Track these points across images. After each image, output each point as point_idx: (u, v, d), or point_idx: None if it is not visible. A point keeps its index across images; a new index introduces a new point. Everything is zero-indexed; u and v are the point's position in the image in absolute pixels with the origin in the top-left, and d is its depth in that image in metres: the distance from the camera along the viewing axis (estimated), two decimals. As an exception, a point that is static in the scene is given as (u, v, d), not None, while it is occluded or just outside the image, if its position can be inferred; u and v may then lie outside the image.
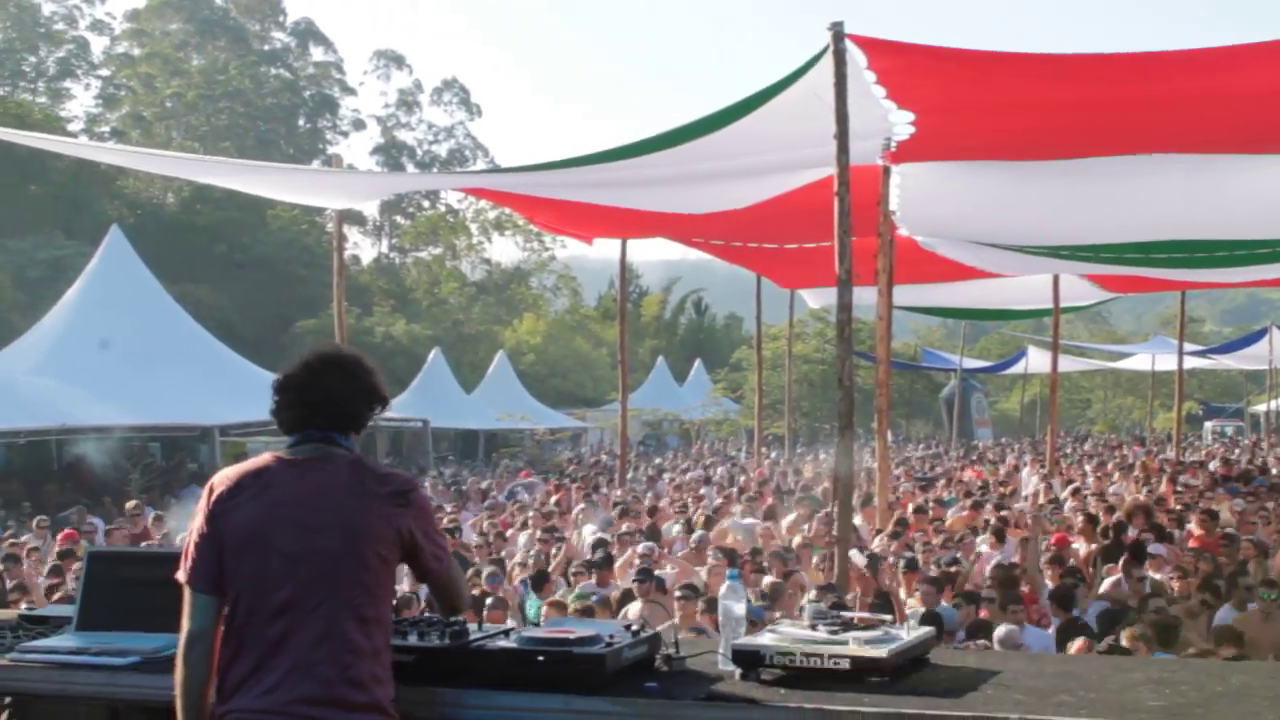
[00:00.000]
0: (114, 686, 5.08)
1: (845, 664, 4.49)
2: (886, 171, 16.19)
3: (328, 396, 4.60)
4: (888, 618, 5.05)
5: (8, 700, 5.62)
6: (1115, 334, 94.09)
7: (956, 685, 4.48)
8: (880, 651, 4.51)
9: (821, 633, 4.74)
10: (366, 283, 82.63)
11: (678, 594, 12.55)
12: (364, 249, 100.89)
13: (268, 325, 64.78)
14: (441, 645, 4.76)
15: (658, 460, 47.04)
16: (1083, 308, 43.15)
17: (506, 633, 4.98)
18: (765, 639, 4.74)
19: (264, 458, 4.60)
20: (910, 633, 4.79)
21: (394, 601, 4.70)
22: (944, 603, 12.70)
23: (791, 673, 4.56)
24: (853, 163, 13.15)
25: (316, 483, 4.48)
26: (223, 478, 4.57)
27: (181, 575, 4.53)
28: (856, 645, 4.55)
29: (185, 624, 4.47)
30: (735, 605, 4.86)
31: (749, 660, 4.62)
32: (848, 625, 4.82)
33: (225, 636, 4.45)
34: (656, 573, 13.82)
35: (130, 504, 23.32)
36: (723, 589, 4.97)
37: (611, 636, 4.69)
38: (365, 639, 4.37)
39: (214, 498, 4.51)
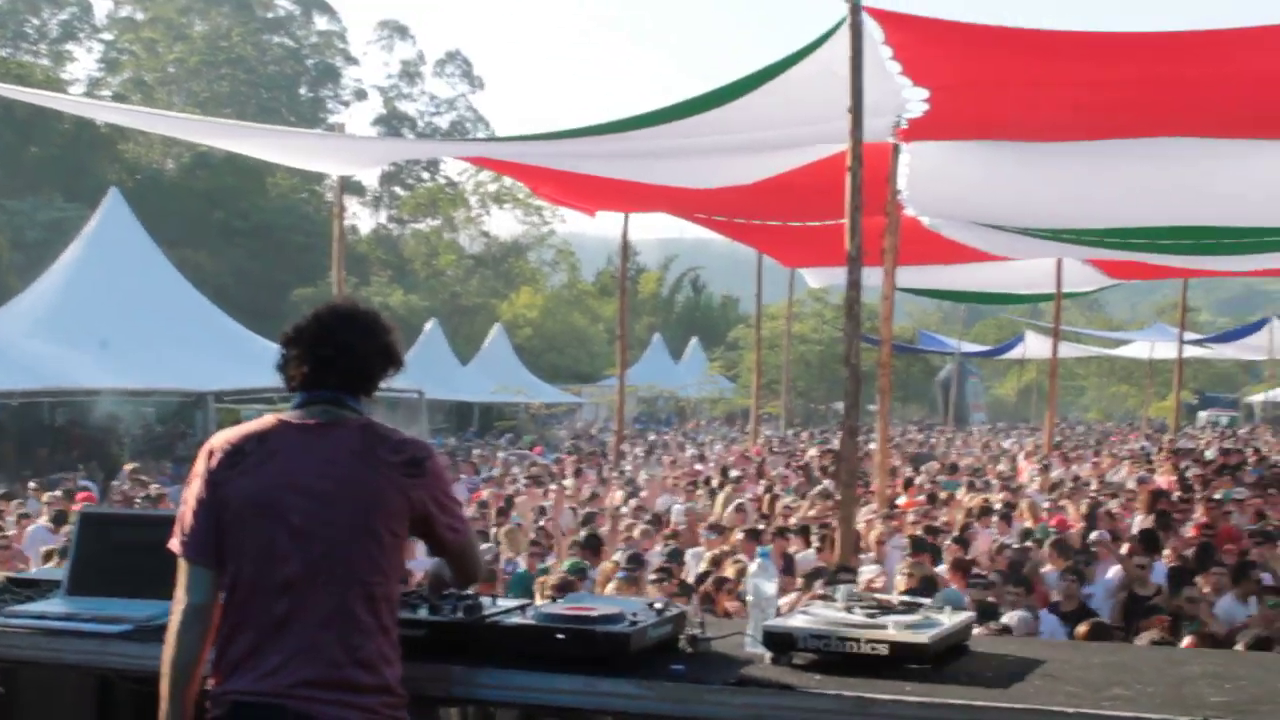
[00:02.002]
0: (105, 655, 4.82)
1: (884, 649, 4.21)
2: (896, 150, 16.01)
3: (340, 353, 4.27)
4: (926, 601, 4.79)
5: (-7, 666, 5.38)
6: (1111, 322, 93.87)
7: (1002, 675, 4.21)
8: (922, 637, 4.24)
9: (858, 615, 4.47)
10: (365, 252, 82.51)
11: (651, 577, 12.32)
12: (362, 219, 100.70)
13: (265, 292, 64.61)
14: (454, 620, 4.48)
15: (651, 438, 47.01)
16: (1084, 294, 43.07)
17: (523, 608, 4.71)
18: (798, 621, 4.47)
19: (267, 420, 4.28)
20: (951, 618, 4.53)
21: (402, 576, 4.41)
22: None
23: (826, 658, 4.29)
24: (864, 139, 12.96)
25: (326, 450, 4.16)
26: (223, 440, 4.23)
27: (175, 546, 4.21)
28: (896, 630, 4.28)
29: (181, 598, 4.15)
30: (766, 584, 4.59)
31: (780, 643, 4.34)
32: (886, 608, 4.56)
33: (223, 612, 4.14)
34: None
35: (129, 467, 23.17)
36: (753, 567, 4.70)
37: (635, 614, 4.42)
38: (374, 617, 4.08)
39: (213, 463, 4.18)
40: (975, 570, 12.85)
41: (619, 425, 28.72)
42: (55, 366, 30.16)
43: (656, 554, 14.28)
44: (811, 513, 17.68)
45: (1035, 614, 11.24)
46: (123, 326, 32.70)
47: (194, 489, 4.21)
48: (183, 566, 4.19)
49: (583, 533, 15.83)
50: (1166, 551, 14.44)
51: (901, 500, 19.54)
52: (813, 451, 32.76)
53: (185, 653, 4.10)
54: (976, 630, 9.20)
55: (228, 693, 4.06)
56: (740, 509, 17.51)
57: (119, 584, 5.10)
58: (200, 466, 4.22)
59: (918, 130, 15.42)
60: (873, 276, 16.69)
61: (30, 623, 4.95)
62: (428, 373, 49.13)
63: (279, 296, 64.38)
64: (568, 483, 23.45)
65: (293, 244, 70.50)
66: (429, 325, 56.42)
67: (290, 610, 4.03)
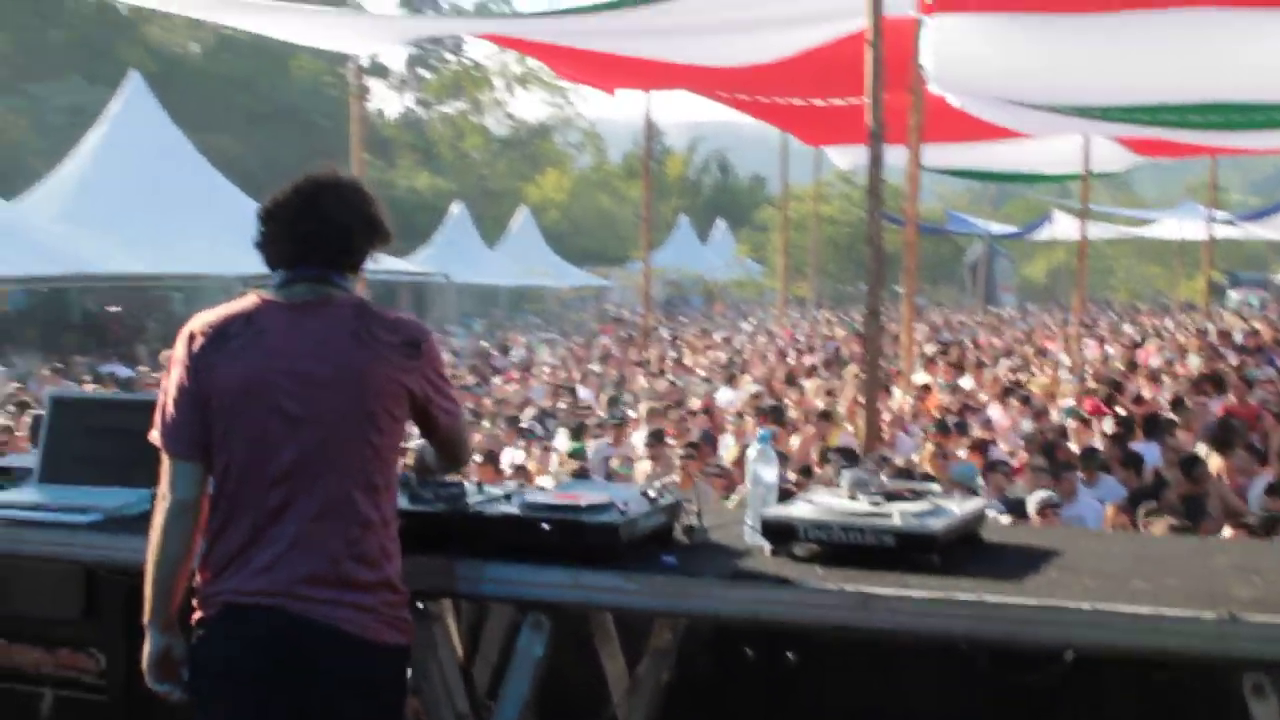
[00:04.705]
0: (71, 546, 4.62)
1: (890, 540, 3.96)
2: (920, 24, 15.65)
3: (324, 228, 3.97)
4: (935, 487, 4.51)
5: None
6: (1140, 201, 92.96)
7: (1015, 567, 3.96)
8: (931, 526, 3.99)
9: (862, 503, 4.22)
10: (391, 136, 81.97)
11: (680, 452, 12.15)
12: (389, 103, 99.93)
13: (290, 176, 64.04)
14: (434, 510, 4.26)
15: (682, 318, 46.96)
16: (1112, 174, 42.52)
17: (509, 496, 4.46)
18: (799, 510, 4.21)
19: (250, 300, 3.98)
20: (962, 506, 4.28)
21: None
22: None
23: (828, 549, 4.04)
24: (886, 13, 12.58)
25: (318, 330, 3.88)
26: (203, 323, 3.92)
27: (157, 437, 3.93)
28: (903, 519, 4.03)
29: (167, 493, 3.88)
30: (765, 471, 4.33)
31: (780, 533, 4.10)
32: (892, 495, 4.30)
33: (212, 504, 3.89)
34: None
35: (165, 354, 23.21)
36: (752, 452, 4.45)
37: (626, 503, 4.18)
38: (374, 509, 3.84)
39: (196, 347, 3.88)
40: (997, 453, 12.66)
41: (645, 308, 28.45)
42: (79, 253, 30.02)
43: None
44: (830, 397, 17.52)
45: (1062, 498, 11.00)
46: (147, 211, 32.51)
47: (175, 376, 3.93)
48: (166, 460, 3.92)
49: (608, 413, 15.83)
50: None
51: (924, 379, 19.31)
52: (840, 332, 32.67)
53: (171, 551, 3.87)
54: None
55: (219, 593, 3.83)
56: (757, 395, 17.35)
57: (92, 471, 4.89)
58: (180, 351, 3.93)
59: (942, 3, 15.03)
60: (898, 157, 16.40)
61: (-6, 512, 4.76)
62: (454, 256, 49.18)
63: (305, 180, 64.21)
64: (595, 366, 23.40)
65: (318, 128, 70.04)
66: (455, 208, 56.17)
67: (285, 501, 3.79)
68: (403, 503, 4.22)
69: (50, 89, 57.85)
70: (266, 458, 3.80)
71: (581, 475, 11.16)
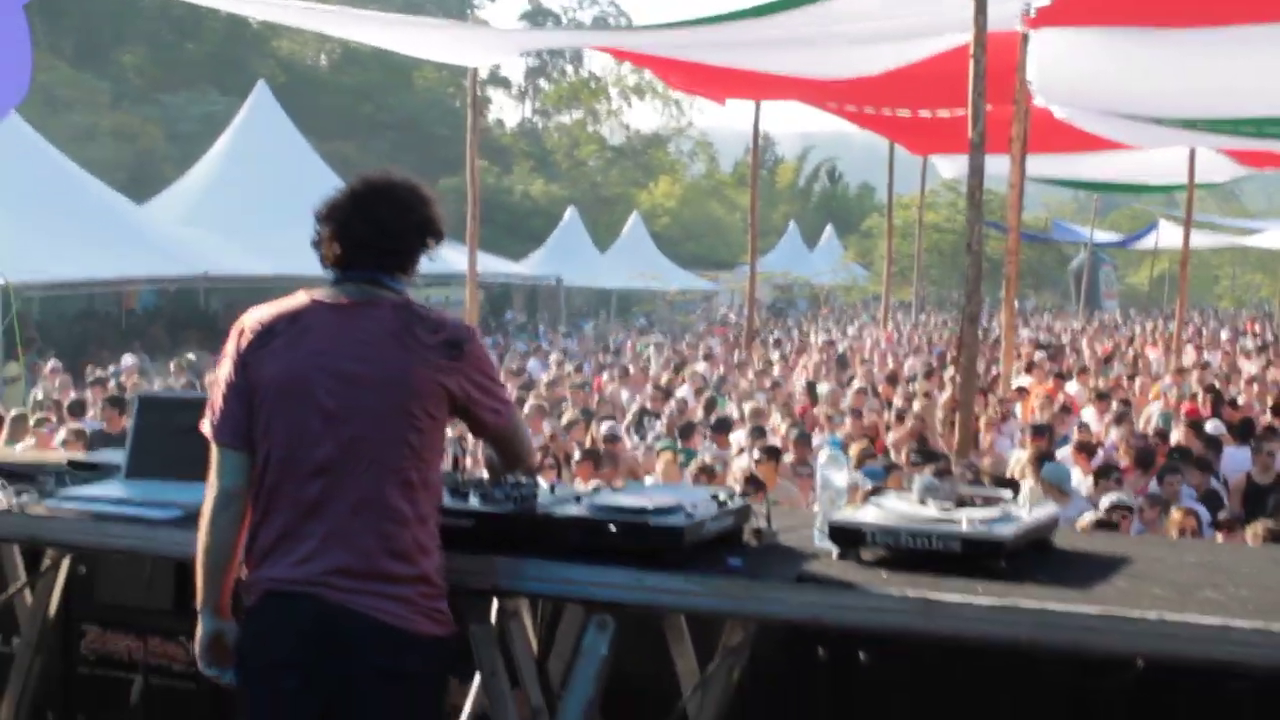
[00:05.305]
0: (153, 541, 4.69)
1: (957, 546, 3.92)
2: (1025, 38, 15.59)
3: (375, 230, 4.04)
4: (1007, 494, 4.46)
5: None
6: (1247, 211, 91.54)
7: (1084, 575, 3.90)
8: (998, 533, 3.94)
9: (931, 509, 4.18)
10: (508, 144, 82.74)
11: (755, 456, 12.06)
12: (508, 112, 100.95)
13: (410, 183, 65.56)
14: (502, 511, 4.26)
15: (789, 321, 46.95)
16: (1217, 185, 41.93)
17: (579, 498, 4.45)
18: (867, 514, 4.19)
19: (299, 299, 4.09)
20: (1032, 512, 4.22)
21: (443, 461, 4.20)
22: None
23: (895, 554, 4.01)
24: (991, 28, 12.68)
25: (360, 329, 3.95)
26: (254, 320, 4.04)
27: (207, 429, 4.04)
28: (970, 525, 3.99)
29: (214, 482, 3.99)
30: (835, 476, 4.32)
31: (848, 538, 4.08)
32: (962, 501, 4.26)
33: (254, 496, 3.98)
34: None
35: None
36: (823, 457, 4.44)
37: (694, 506, 4.16)
38: (410, 505, 3.90)
39: (243, 343, 4.01)
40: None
41: (750, 311, 28.49)
42: (205, 254, 30.76)
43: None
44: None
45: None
46: (270, 215, 33.11)
47: (224, 370, 4.05)
48: (215, 450, 4.03)
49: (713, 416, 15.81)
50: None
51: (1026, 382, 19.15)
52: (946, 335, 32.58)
53: (219, 538, 3.98)
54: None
55: (259, 580, 3.94)
56: (861, 392, 17.29)
57: (177, 467, 4.93)
58: (230, 346, 4.05)
59: (1046, 18, 15.01)
60: (1002, 166, 16.36)
61: (81, 506, 4.84)
62: (566, 259, 49.61)
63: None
64: (700, 366, 23.48)
65: (438, 137, 70.99)
66: (568, 213, 56.62)
67: (322, 495, 3.87)
68: (473, 503, 4.28)
69: (184, 98, 59.28)
70: (304, 452, 3.89)
71: (708, 475, 11.07)
